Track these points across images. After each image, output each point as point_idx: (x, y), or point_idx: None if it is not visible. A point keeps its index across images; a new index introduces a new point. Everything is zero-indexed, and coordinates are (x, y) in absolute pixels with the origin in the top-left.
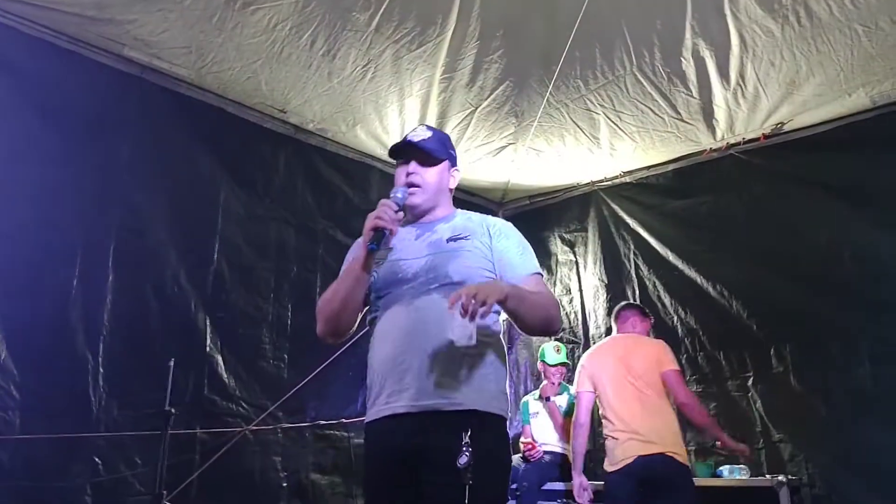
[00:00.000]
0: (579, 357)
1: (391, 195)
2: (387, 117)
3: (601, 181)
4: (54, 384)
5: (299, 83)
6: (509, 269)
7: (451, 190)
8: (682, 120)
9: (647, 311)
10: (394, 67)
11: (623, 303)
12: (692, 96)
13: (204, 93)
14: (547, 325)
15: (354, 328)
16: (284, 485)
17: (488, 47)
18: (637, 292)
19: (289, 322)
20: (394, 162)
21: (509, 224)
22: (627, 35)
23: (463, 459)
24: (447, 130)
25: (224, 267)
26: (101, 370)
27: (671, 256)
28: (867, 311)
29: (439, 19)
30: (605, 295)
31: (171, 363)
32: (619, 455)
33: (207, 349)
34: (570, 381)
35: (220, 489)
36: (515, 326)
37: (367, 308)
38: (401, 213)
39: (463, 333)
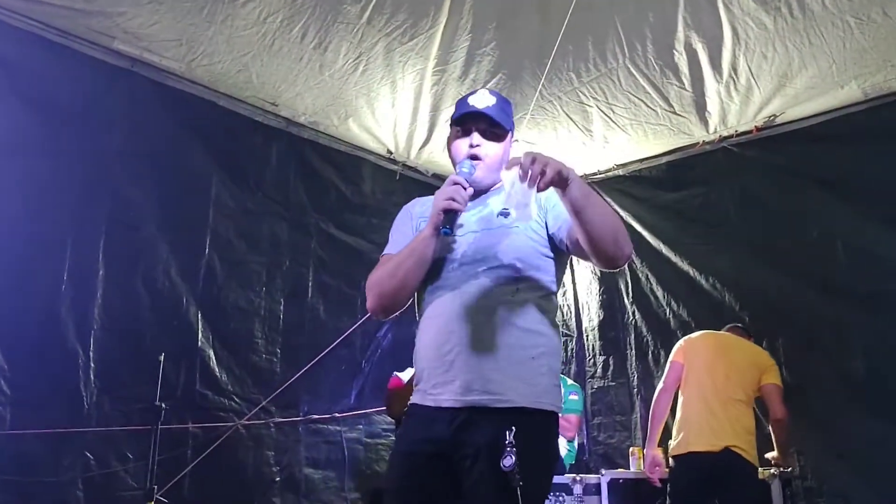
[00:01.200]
0: (572, 350)
1: (457, 170)
2: (379, 110)
3: (594, 174)
4: (45, 379)
5: (291, 76)
6: (564, 222)
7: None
8: (675, 112)
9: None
10: (386, 60)
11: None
12: (685, 89)
13: (194, 86)
14: (617, 243)
15: (406, 306)
16: (277, 479)
17: (481, 40)
18: (630, 285)
19: (281, 316)
20: (388, 155)
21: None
22: (620, 28)
23: (508, 461)
24: (439, 124)
25: (216, 260)
26: (92, 365)
27: (664, 249)
28: (859, 303)
29: (431, 11)
30: (599, 288)
31: (162, 357)
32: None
33: (199, 343)
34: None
35: (212, 484)
36: (581, 245)
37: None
38: (471, 190)
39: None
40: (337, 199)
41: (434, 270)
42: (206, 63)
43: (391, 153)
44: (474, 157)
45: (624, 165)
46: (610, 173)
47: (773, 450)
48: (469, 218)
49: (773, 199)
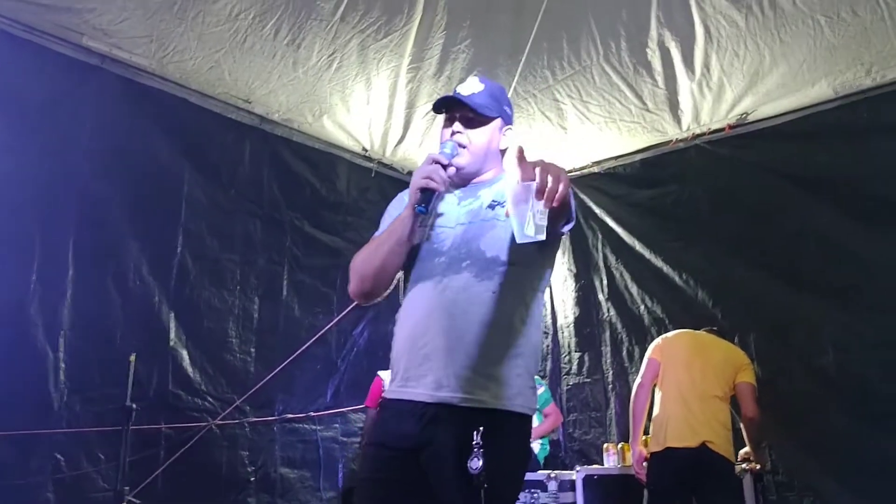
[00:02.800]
0: (548, 346)
1: (440, 150)
2: (353, 107)
3: (570, 171)
4: (13, 380)
5: (264, 73)
6: None
7: (502, 151)
8: (649, 110)
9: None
10: (360, 57)
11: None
12: (658, 87)
13: (165, 83)
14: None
15: (389, 291)
16: (252, 479)
17: (455, 37)
18: (605, 281)
19: (255, 315)
20: (362, 152)
21: None
22: (594, 26)
23: (475, 463)
24: (415, 121)
25: (188, 259)
26: (62, 365)
27: (638, 246)
28: (830, 299)
29: (405, 8)
30: (574, 284)
31: (133, 358)
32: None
33: (172, 343)
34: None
35: (186, 484)
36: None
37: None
38: (452, 169)
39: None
40: (311, 197)
41: (420, 262)
42: (178, 60)
43: (366, 151)
44: (460, 145)
45: (599, 163)
46: (585, 170)
47: (745, 446)
48: (460, 210)
49: (746, 196)
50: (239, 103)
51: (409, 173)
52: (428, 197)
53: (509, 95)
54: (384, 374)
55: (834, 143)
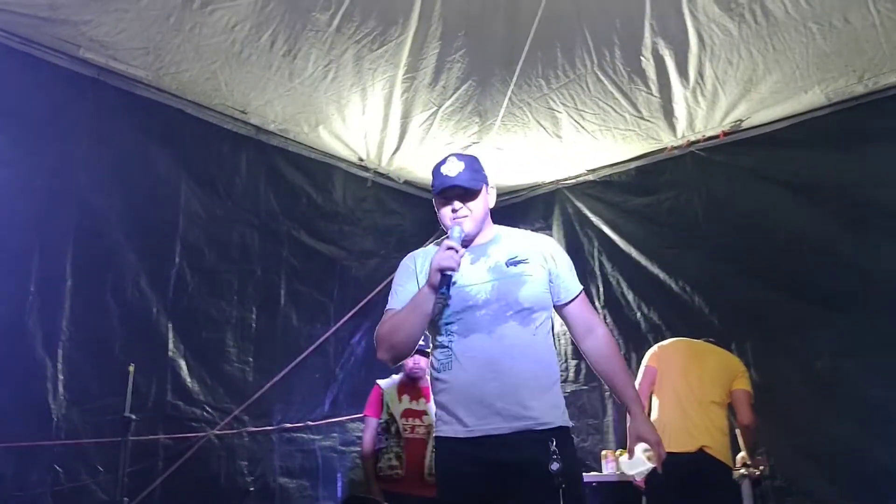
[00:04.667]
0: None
1: (448, 235)
2: (349, 117)
3: (565, 179)
4: (12, 391)
5: (260, 84)
6: (564, 292)
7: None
8: (643, 118)
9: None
10: (355, 67)
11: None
12: (652, 94)
13: (162, 94)
14: None
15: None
16: (251, 489)
17: (450, 47)
18: (601, 289)
19: (253, 325)
20: (358, 161)
21: (554, 242)
22: (588, 34)
23: (555, 466)
24: (410, 130)
25: (186, 269)
26: (61, 377)
27: (634, 253)
28: (826, 304)
29: (400, 19)
30: None
31: (132, 368)
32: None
33: (170, 353)
34: None
35: (185, 494)
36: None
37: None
38: (463, 251)
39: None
40: (308, 207)
41: (458, 316)
42: (174, 71)
43: (362, 160)
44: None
45: (594, 171)
46: (580, 178)
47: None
48: (479, 267)
49: (741, 202)
50: (235, 114)
51: (406, 182)
52: (447, 279)
53: (504, 104)
54: (383, 383)
55: (827, 150)
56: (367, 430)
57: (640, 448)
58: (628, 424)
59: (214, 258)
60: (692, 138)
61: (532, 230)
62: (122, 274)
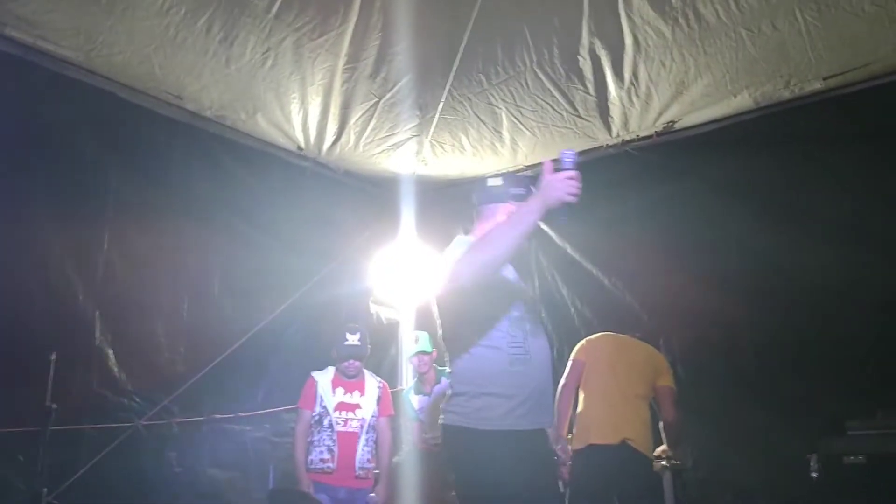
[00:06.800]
0: None
1: (565, 162)
2: (288, 105)
3: (504, 174)
4: None
5: (195, 69)
6: None
7: None
8: (580, 116)
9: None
10: (295, 56)
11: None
12: (589, 94)
13: (93, 76)
14: None
15: None
16: (180, 480)
17: (391, 39)
18: (538, 284)
19: (185, 314)
20: (297, 150)
21: None
22: (527, 32)
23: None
24: (351, 121)
25: (115, 257)
26: None
27: (569, 249)
28: (749, 302)
29: (341, 9)
30: None
31: (53, 357)
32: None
33: (97, 342)
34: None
35: (110, 486)
36: None
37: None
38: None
39: None
40: (245, 195)
41: (513, 306)
42: (106, 53)
43: (301, 149)
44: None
45: (532, 167)
46: (518, 174)
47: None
48: (520, 267)
49: (672, 201)
50: (170, 99)
51: (345, 173)
52: (567, 210)
53: (443, 97)
54: (317, 375)
55: (754, 152)
56: (300, 421)
57: None
58: None
59: (145, 246)
60: (626, 137)
61: (471, 224)
62: (46, 259)
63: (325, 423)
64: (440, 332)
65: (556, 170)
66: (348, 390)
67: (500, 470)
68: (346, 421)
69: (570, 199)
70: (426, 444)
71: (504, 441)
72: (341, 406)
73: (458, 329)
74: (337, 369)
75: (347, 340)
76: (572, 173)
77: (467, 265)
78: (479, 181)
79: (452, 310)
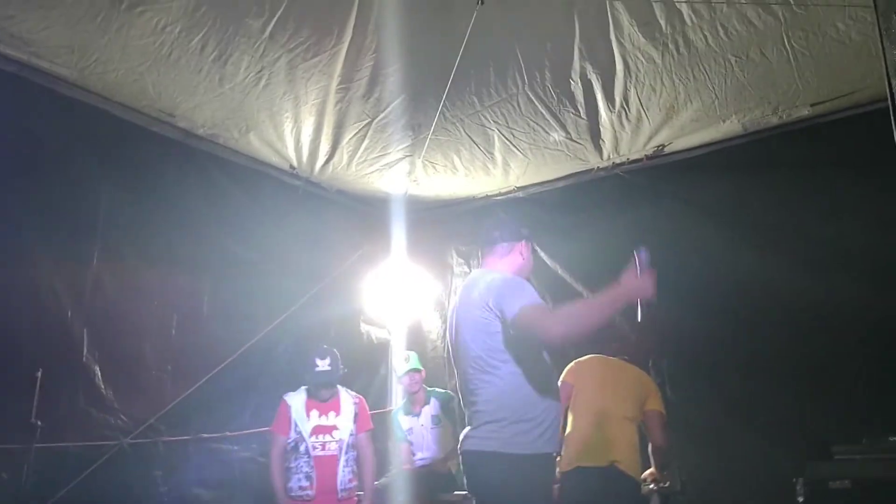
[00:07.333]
0: None
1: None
2: (281, 125)
3: (496, 195)
4: None
5: (189, 87)
6: None
7: None
8: (572, 139)
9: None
10: (288, 76)
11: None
12: (580, 117)
13: (87, 94)
14: None
15: None
16: (166, 499)
17: (385, 60)
18: None
19: (174, 331)
20: (289, 169)
21: None
22: (520, 55)
23: None
24: (343, 141)
25: (105, 273)
26: None
27: (560, 270)
28: (738, 325)
29: (335, 30)
30: None
31: (39, 373)
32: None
33: (84, 359)
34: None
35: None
36: None
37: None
38: None
39: None
40: (236, 214)
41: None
42: (100, 71)
43: (294, 168)
44: None
45: (523, 188)
46: (510, 195)
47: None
48: None
49: (661, 224)
50: (163, 117)
51: (338, 192)
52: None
53: (436, 118)
54: (290, 399)
55: (742, 177)
56: (275, 446)
57: None
58: None
59: (136, 262)
60: (617, 161)
61: (463, 244)
62: (34, 275)
63: (302, 449)
64: (471, 358)
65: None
66: (323, 412)
67: (532, 491)
68: (323, 444)
69: (651, 297)
70: (413, 466)
71: (536, 463)
72: (317, 430)
73: (503, 359)
74: (308, 391)
75: (317, 366)
76: (651, 272)
77: (564, 326)
78: (500, 219)
79: (521, 345)
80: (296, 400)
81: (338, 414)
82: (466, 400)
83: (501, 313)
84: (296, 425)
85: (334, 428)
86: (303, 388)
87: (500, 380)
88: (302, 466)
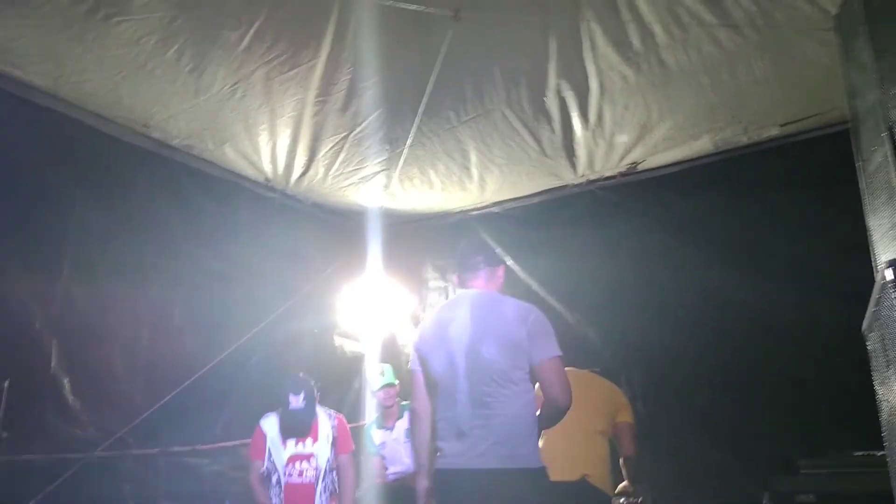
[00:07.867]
0: None
1: None
2: (257, 137)
3: (471, 209)
4: None
5: (163, 98)
6: None
7: None
8: (546, 155)
9: None
10: (265, 88)
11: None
12: (555, 133)
13: (60, 103)
14: None
15: None
16: None
17: (362, 74)
18: None
19: (144, 344)
20: (265, 182)
21: None
22: (496, 72)
23: None
24: (320, 154)
25: (75, 284)
26: None
27: (534, 285)
28: (706, 340)
29: (312, 44)
30: None
31: (6, 384)
32: None
33: (52, 370)
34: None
35: None
36: None
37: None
38: None
39: None
40: (210, 226)
41: None
42: (75, 80)
43: (269, 181)
44: None
45: (499, 203)
46: (485, 210)
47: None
48: None
49: (634, 241)
50: (137, 127)
51: (313, 205)
52: None
53: (412, 133)
54: (266, 426)
55: (712, 194)
56: (252, 472)
57: None
58: None
59: (107, 273)
60: (591, 177)
61: (439, 258)
62: (2, 285)
63: (274, 480)
64: (494, 371)
65: None
66: (300, 439)
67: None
68: (301, 472)
69: None
70: (386, 480)
71: (545, 475)
72: (294, 458)
73: (522, 377)
74: (282, 427)
75: (291, 404)
76: None
77: (571, 399)
78: (480, 243)
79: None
80: (272, 428)
81: (315, 440)
82: (473, 413)
83: (530, 346)
84: (270, 454)
85: (311, 456)
86: (275, 413)
87: (519, 395)
88: (273, 499)
